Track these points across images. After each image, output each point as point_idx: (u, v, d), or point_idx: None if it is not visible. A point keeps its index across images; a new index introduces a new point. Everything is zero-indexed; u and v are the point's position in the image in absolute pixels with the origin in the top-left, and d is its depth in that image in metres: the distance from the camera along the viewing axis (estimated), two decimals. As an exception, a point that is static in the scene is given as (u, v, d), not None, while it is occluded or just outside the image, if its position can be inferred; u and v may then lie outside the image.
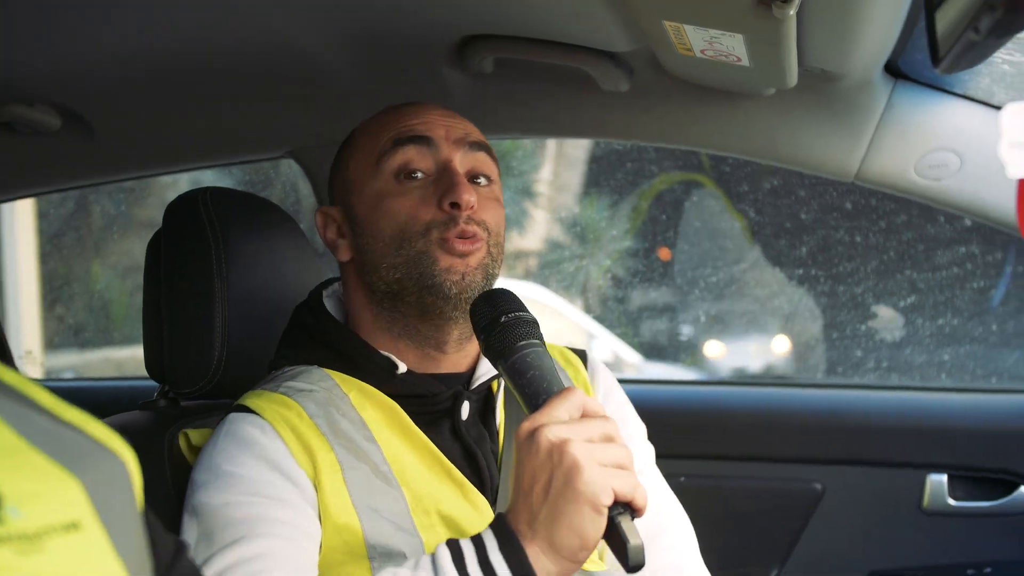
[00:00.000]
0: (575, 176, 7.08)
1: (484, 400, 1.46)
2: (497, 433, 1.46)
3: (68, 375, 7.17)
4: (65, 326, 7.31)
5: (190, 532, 1.29)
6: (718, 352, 6.54)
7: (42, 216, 7.02)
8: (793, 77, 1.62)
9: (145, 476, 0.82)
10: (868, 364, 5.67)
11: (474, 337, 1.35)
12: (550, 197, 7.18)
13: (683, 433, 2.27)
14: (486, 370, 1.45)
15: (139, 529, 0.79)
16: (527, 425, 1.16)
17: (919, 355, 5.44)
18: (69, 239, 7.21)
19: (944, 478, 2.15)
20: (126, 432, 0.81)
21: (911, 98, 1.82)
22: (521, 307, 1.30)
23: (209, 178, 4.60)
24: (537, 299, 6.46)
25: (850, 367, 5.77)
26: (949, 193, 1.85)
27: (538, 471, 1.13)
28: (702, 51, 1.53)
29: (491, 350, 1.28)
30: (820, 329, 6.01)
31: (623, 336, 6.60)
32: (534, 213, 7.01)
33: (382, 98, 1.59)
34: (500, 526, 1.17)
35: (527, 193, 6.95)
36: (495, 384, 1.47)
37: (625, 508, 1.14)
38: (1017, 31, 0.97)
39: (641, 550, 1.12)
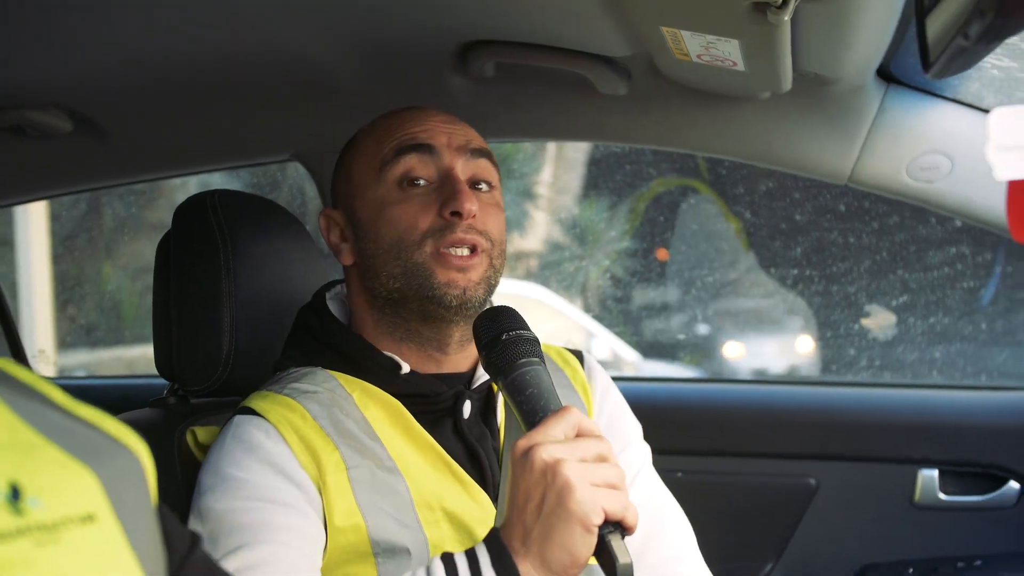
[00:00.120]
0: (575, 178, 7.06)
1: (485, 399, 1.47)
2: (498, 431, 1.47)
3: (80, 373, 7.17)
4: (77, 326, 7.30)
5: None
6: (737, 352, 6.52)
7: (54, 218, 7.01)
8: (788, 81, 1.63)
9: (155, 471, 0.82)
10: (861, 362, 5.68)
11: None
12: (550, 199, 7.15)
13: (680, 430, 2.27)
14: (486, 370, 1.47)
15: (153, 524, 0.79)
16: (523, 443, 1.18)
17: (911, 353, 5.44)
18: (81, 241, 7.19)
19: (935, 473, 2.16)
20: (137, 428, 0.82)
21: (903, 102, 1.82)
22: (523, 325, 1.31)
23: (218, 181, 4.59)
24: (538, 299, 6.46)
25: (843, 365, 5.78)
26: (940, 195, 1.85)
27: (532, 489, 1.15)
28: (699, 56, 1.54)
29: (492, 366, 1.29)
30: (815, 328, 6.03)
31: (622, 335, 6.58)
32: (535, 214, 6.99)
33: (386, 102, 1.60)
34: (494, 542, 1.18)
35: (528, 195, 6.94)
36: (495, 383, 1.49)
37: (616, 527, 1.16)
38: (1006, 37, 0.98)
39: (630, 568, 1.14)
